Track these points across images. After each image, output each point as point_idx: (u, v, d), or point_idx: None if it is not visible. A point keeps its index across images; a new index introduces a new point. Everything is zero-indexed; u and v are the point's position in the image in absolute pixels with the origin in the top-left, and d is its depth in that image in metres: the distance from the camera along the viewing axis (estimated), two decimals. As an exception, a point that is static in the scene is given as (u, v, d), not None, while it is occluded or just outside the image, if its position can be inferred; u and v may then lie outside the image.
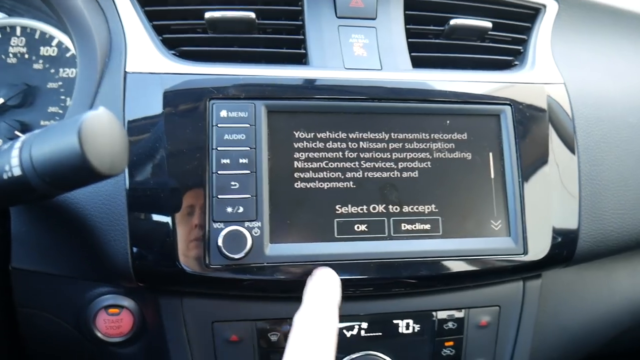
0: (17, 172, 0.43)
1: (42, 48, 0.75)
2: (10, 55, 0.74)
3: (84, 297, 0.69)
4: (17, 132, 0.72)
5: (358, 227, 0.65)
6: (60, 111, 0.75)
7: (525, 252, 0.67)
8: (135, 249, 0.61)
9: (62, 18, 0.65)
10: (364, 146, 0.66)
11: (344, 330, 0.70)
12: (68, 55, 0.75)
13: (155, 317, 0.69)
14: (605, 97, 0.77)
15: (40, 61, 0.75)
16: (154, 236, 0.61)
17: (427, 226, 0.66)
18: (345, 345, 0.70)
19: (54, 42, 0.75)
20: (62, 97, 0.75)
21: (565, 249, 0.70)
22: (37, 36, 0.75)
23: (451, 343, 0.73)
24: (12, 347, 0.75)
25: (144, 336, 0.71)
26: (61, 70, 0.75)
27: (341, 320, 0.69)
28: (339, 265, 0.63)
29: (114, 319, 0.69)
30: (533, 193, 0.68)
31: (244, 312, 0.68)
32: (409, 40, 0.73)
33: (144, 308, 0.70)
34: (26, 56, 0.75)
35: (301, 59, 0.70)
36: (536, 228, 0.68)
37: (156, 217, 0.61)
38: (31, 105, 0.74)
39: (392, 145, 0.67)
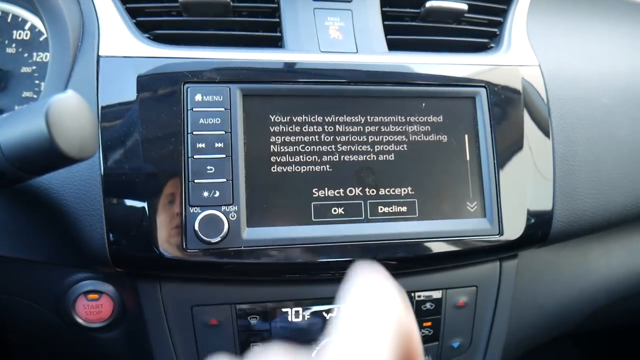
0: (-15, 156, 0.43)
1: (14, 32, 0.73)
2: (-18, 39, 0.73)
3: (63, 283, 0.69)
4: (-10, 118, 0.71)
5: (335, 210, 0.65)
6: (35, 96, 0.74)
7: (500, 233, 0.68)
8: (111, 235, 0.61)
9: (33, 0, 0.64)
10: (340, 129, 0.66)
11: (323, 313, 0.71)
12: (41, 39, 0.74)
13: (135, 302, 0.69)
14: (579, 79, 0.78)
15: (13, 45, 0.73)
16: (130, 221, 0.61)
17: (404, 208, 0.66)
18: (324, 327, 0.71)
19: (27, 26, 0.74)
20: (36, 82, 0.73)
21: (540, 229, 0.71)
22: (9, 20, 0.73)
23: (429, 323, 0.74)
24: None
25: (124, 321, 0.71)
26: (35, 54, 0.74)
27: (319, 303, 0.71)
28: (316, 248, 0.64)
29: (93, 304, 0.69)
30: (508, 174, 0.69)
31: (223, 296, 0.68)
32: (385, 22, 0.73)
33: (123, 293, 0.70)
34: (-2, 40, 0.73)
35: (277, 42, 0.70)
36: (511, 209, 0.69)
37: (132, 202, 0.61)
38: (4, 90, 0.73)
39: (368, 129, 0.67)
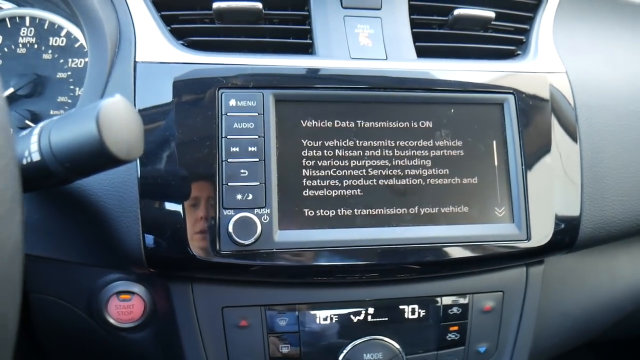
0: (36, 157, 0.44)
1: (51, 38, 0.76)
2: (20, 45, 0.75)
3: (96, 283, 0.71)
4: (27, 122, 0.73)
5: (364, 214, 0.66)
6: (70, 101, 0.76)
7: (528, 238, 0.69)
8: (147, 236, 0.62)
9: (73, 9, 0.65)
10: (371, 134, 0.67)
11: (351, 316, 0.72)
12: (77, 45, 0.76)
13: (166, 303, 0.70)
14: (606, 86, 0.78)
15: (50, 51, 0.75)
16: (165, 223, 0.62)
17: (433, 213, 0.67)
18: (352, 330, 0.71)
19: (63, 33, 0.76)
20: (72, 87, 0.75)
21: (568, 235, 0.72)
22: (46, 26, 0.75)
23: (456, 328, 0.74)
24: (23, 333, 0.76)
25: (155, 322, 0.72)
26: (70, 60, 0.76)
27: (348, 306, 0.71)
28: (345, 251, 0.65)
29: (125, 304, 0.71)
30: (536, 180, 0.69)
31: (253, 298, 0.69)
32: (414, 30, 0.74)
33: (154, 294, 0.71)
34: (35, 46, 0.75)
35: (308, 49, 0.71)
36: (539, 215, 0.69)
37: (167, 205, 0.63)
38: (41, 95, 0.75)
39: (397, 134, 0.68)
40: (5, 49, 0.75)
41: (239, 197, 0.63)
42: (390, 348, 0.72)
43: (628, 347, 1.22)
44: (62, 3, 0.68)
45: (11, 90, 0.73)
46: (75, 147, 0.43)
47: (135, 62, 0.66)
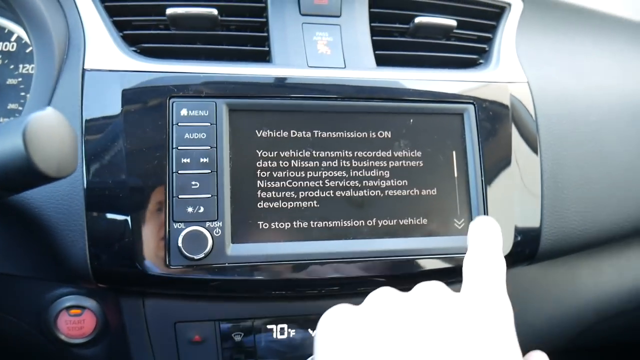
0: (-39, 173, 0.42)
1: (0, 43, 0.73)
2: (-32, 50, 0.73)
3: (44, 297, 0.68)
4: (-26, 130, 0.71)
5: (321, 227, 0.64)
6: (20, 108, 0.73)
7: (487, 250, 0.68)
8: (93, 250, 0.60)
9: (17, 12, 0.63)
10: (327, 145, 0.66)
11: (309, 330, 0.70)
12: (27, 51, 0.73)
13: (118, 318, 0.68)
14: (568, 95, 0.78)
15: (-1, 57, 0.73)
16: (112, 236, 0.60)
17: (391, 225, 0.66)
18: (310, 345, 0.70)
19: (13, 37, 0.73)
20: (22, 94, 0.73)
21: (528, 247, 0.71)
22: (-5, 31, 0.73)
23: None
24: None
25: (107, 337, 0.70)
26: (21, 66, 0.73)
27: (306, 320, 0.70)
28: (301, 265, 0.63)
29: (75, 319, 0.68)
30: (495, 192, 0.69)
31: (206, 312, 0.67)
32: (374, 38, 0.73)
33: (106, 309, 0.69)
34: (-16, 51, 0.73)
35: (264, 57, 0.70)
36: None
37: (115, 217, 0.61)
38: (-11, 102, 0.73)
39: (355, 154, 0.66)
40: (-48, 54, 0.72)
41: (189, 209, 0.61)
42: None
43: (602, 354, 1.22)
44: (6, 6, 0.65)
45: (-43, 96, 0.71)
46: (2, 163, 0.41)
47: (83, 69, 0.63)
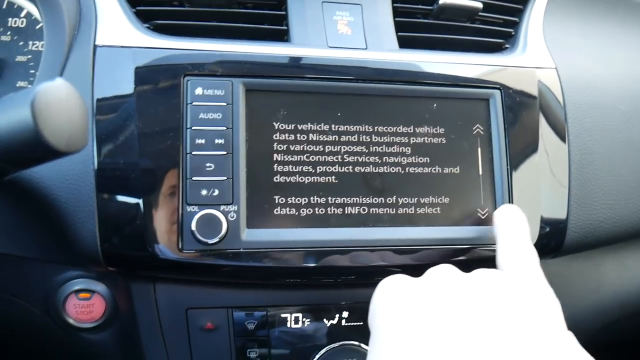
0: (-33, 146, 0.40)
1: (9, 19, 0.71)
2: (-23, 26, 0.71)
3: (53, 280, 0.66)
4: (-17, 107, 0.69)
5: (339, 214, 0.62)
6: (29, 85, 0.71)
7: (511, 242, 0.65)
8: (104, 232, 0.58)
9: (28, -14, 0.61)
10: (347, 129, 0.63)
11: (324, 319, 0.68)
12: (37, 27, 0.71)
13: (128, 303, 0.66)
14: (597, 84, 0.75)
15: (8, 33, 0.70)
16: (124, 219, 0.58)
17: (410, 214, 0.63)
18: (324, 335, 0.68)
19: (23, 13, 0.71)
20: (32, 72, 0.70)
21: (554, 240, 0.68)
22: (4, 6, 0.70)
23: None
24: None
25: (116, 322, 0.68)
26: (30, 42, 0.71)
27: (320, 309, 0.68)
28: (317, 252, 0.61)
29: (84, 303, 0.67)
30: (521, 181, 0.66)
31: (219, 299, 0.65)
32: (396, 19, 0.70)
33: (116, 293, 0.67)
34: (-7, 27, 0.71)
35: (282, 36, 0.67)
36: (524, 217, 0.66)
37: (126, 199, 0.58)
38: (-2, 79, 0.70)
39: (375, 129, 0.64)
40: (-39, 29, 0.70)
41: (203, 192, 0.58)
42: (365, 354, 0.69)
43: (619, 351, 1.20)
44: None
45: (-34, 73, 0.69)
46: (9, 136, 0.38)
47: (95, 45, 0.61)
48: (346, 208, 0.62)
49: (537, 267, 0.50)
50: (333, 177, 0.62)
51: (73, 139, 0.40)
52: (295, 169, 0.61)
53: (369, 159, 0.63)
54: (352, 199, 0.62)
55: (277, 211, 0.60)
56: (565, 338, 0.40)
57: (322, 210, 0.61)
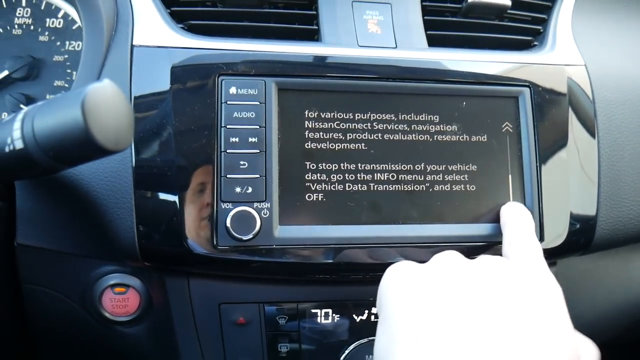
0: (19, 145, 0.41)
1: (47, 20, 0.73)
2: (16, 26, 0.72)
3: (90, 275, 0.68)
4: (22, 106, 0.71)
5: (368, 211, 0.63)
6: (66, 85, 0.73)
7: (541, 239, 0.65)
8: (141, 228, 0.60)
9: (68, -11, 0.63)
10: (377, 127, 0.64)
11: (354, 315, 0.69)
12: (74, 27, 0.73)
13: (162, 297, 0.68)
14: (626, 80, 0.74)
15: (46, 33, 0.72)
16: (160, 215, 0.60)
17: (441, 211, 0.64)
18: (354, 330, 0.69)
19: (60, 14, 0.73)
20: (68, 71, 0.72)
21: (583, 237, 0.68)
22: (42, 7, 0.72)
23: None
24: (16, 324, 0.74)
25: (151, 316, 0.70)
26: (67, 42, 0.73)
27: (350, 305, 0.69)
28: (348, 249, 0.62)
29: (120, 297, 0.68)
30: (551, 177, 0.66)
31: (251, 294, 0.67)
32: (425, 17, 0.71)
33: (150, 288, 0.68)
34: (32, 27, 0.72)
35: (313, 36, 0.68)
36: (553, 214, 0.66)
37: (163, 196, 0.60)
38: (36, 79, 0.72)
39: (405, 127, 0.64)
40: (0, 30, 0.72)
41: (238, 190, 0.60)
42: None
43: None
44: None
45: (6, 72, 0.70)
46: (60, 135, 0.40)
47: (132, 45, 0.63)
48: (375, 174, 0.63)
49: (541, 256, 0.52)
50: (363, 144, 0.63)
51: (120, 138, 0.41)
52: (326, 156, 0.62)
53: (398, 127, 0.64)
54: (381, 165, 0.63)
55: (308, 208, 0.61)
56: (565, 322, 0.42)
57: (353, 167, 0.62)
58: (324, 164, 0.62)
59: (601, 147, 0.70)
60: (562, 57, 0.71)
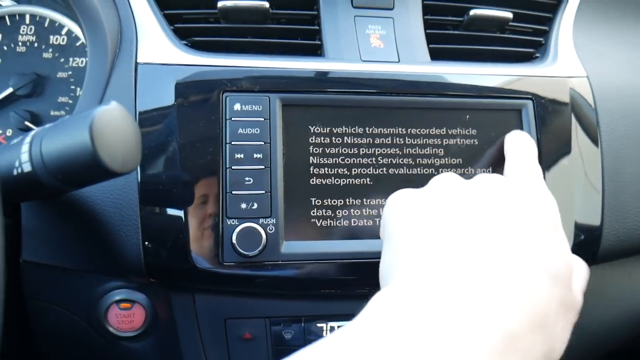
0: (27, 168, 0.42)
1: (51, 37, 0.73)
2: (20, 44, 0.73)
3: (96, 291, 0.68)
4: (27, 123, 0.71)
5: (373, 226, 0.63)
6: (70, 101, 0.73)
7: (546, 251, 0.65)
8: (147, 244, 0.60)
9: (72, 6, 0.63)
10: (381, 142, 0.64)
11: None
12: (78, 44, 0.73)
13: (168, 313, 0.68)
14: (629, 91, 0.75)
15: (50, 50, 0.73)
16: (166, 232, 0.60)
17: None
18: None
19: (64, 31, 0.73)
20: (72, 87, 0.73)
21: (588, 248, 0.68)
22: (46, 24, 0.73)
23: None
24: (22, 340, 0.74)
25: (156, 331, 0.70)
26: (71, 59, 0.73)
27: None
28: (354, 264, 0.62)
29: (125, 313, 0.68)
30: (555, 189, 0.66)
31: (257, 310, 0.67)
32: (427, 31, 0.71)
33: (156, 303, 0.68)
34: (35, 45, 0.73)
35: (316, 51, 0.68)
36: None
37: (169, 212, 0.60)
38: (41, 95, 0.73)
39: (409, 141, 0.65)
40: (5, 48, 0.73)
41: (243, 206, 0.60)
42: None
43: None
44: (60, 0, 0.65)
45: (10, 90, 0.71)
46: (68, 158, 0.40)
47: (136, 63, 0.63)
48: (381, 202, 0.63)
49: (540, 177, 0.54)
50: (367, 179, 0.63)
51: (127, 160, 0.41)
52: (331, 171, 0.63)
53: (402, 160, 0.64)
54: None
55: (313, 224, 0.61)
56: (560, 234, 0.44)
57: (357, 212, 0.63)
58: (328, 179, 0.62)
59: (605, 157, 0.70)
60: (564, 69, 0.72)
